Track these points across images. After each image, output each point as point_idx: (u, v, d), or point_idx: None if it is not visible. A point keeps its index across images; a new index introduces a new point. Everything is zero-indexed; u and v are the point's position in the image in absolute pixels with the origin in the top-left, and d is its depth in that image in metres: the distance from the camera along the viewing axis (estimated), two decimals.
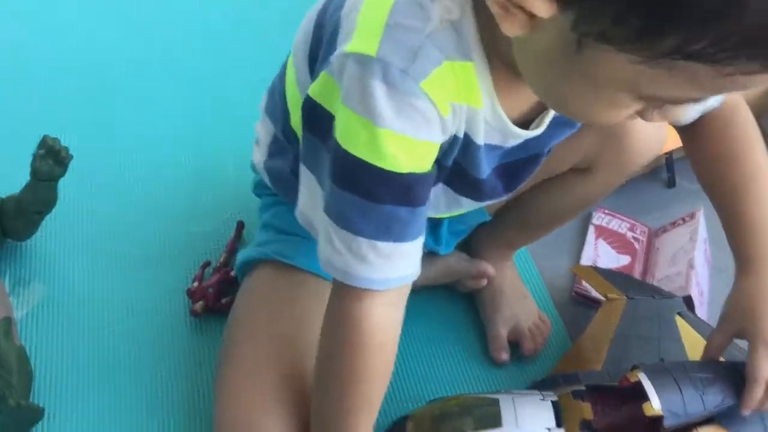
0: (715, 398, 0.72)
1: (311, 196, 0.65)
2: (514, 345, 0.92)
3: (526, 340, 0.91)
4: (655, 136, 0.81)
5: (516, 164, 0.71)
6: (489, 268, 0.92)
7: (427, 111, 0.56)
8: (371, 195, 0.58)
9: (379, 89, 0.54)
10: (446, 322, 0.95)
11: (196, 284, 0.91)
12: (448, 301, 0.97)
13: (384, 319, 0.64)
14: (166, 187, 1.03)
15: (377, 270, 0.61)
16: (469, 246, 0.96)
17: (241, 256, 0.83)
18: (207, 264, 0.94)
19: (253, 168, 0.85)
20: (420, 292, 0.95)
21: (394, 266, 0.62)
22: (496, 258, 0.94)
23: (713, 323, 0.89)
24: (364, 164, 0.57)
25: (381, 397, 0.67)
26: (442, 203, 0.74)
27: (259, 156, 0.82)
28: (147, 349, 0.87)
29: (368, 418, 0.68)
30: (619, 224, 1.09)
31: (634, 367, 0.75)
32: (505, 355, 0.90)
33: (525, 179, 0.74)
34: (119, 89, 1.16)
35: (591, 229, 1.08)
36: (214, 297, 0.89)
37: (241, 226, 0.98)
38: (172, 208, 1.01)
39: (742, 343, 0.74)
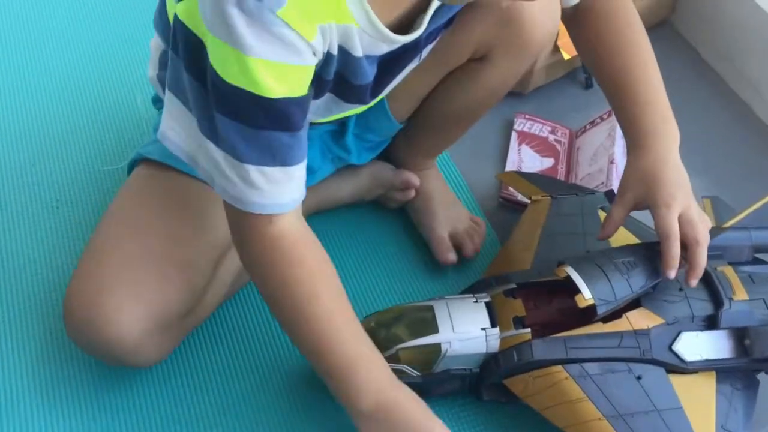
0: (639, 279, 0.74)
1: (179, 121, 0.65)
2: (455, 249, 0.92)
3: (465, 241, 0.92)
4: (548, 18, 0.81)
5: (395, 58, 0.70)
6: (413, 177, 0.92)
7: (289, 38, 0.56)
8: (251, 121, 0.59)
9: (237, 18, 0.54)
10: (382, 238, 0.95)
11: None
12: (382, 218, 0.97)
13: (291, 233, 0.65)
14: (74, 126, 0.99)
15: (269, 195, 0.63)
16: (389, 161, 0.96)
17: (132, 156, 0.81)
18: None
19: (150, 82, 0.83)
20: (353, 212, 0.96)
21: (284, 190, 0.63)
22: (418, 167, 0.94)
23: (634, 214, 0.92)
24: (240, 91, 0.57)
25: (334, 291, 0.68)
26: (321, 108, 0.73)
27: (152, 70, 0.80)
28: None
29: (340, 317, 0.68)
30: (540, 128, 1.09)
31: (560, 263, 0.77)
32: (452, 256, 0.91)
33: (406, 69, 0.75)
34: (15, 30, 1.09)
35: (513, 135, 1.08)
36: None
37: None
38: (81, 148, 0.98)
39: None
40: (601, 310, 0.72)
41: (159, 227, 0.73)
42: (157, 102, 0.85)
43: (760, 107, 1.18)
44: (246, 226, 0.65)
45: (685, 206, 0.73)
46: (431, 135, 0.91)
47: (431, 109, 0.88)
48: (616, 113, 0.79)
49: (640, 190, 0.74)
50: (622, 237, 0.87)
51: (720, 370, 0.77)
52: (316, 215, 0.93)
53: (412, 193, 0.93)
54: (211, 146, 0.62)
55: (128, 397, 0.78)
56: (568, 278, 0.74)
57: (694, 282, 0.73)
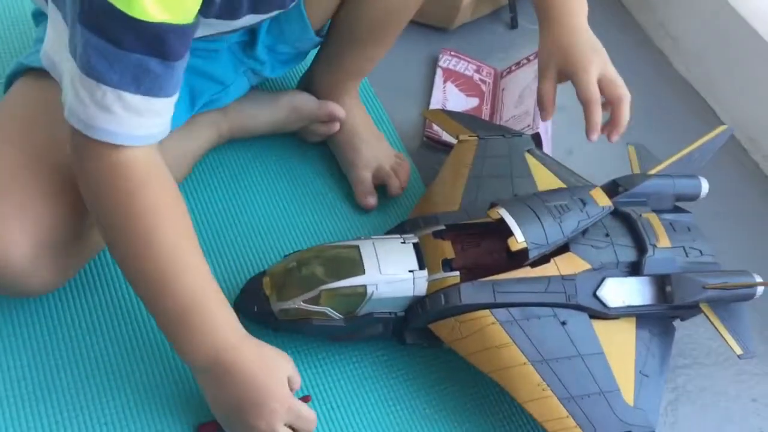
0: (571, 223, 0.73)
1: (57, 35, 0.60)
2: (379, 188, 0.89)
3: (391, 179, 0.88)
4: None
5: None
6: (338, 108, 0.87)
7: None
8: (118, 41, 0.54)
9: None
10: (303, 172, 0.89)
11: None
12: (304, 151, 0.91)
13: (140, 164, 0.60)
14: None
15: (123, 124, 0.57)
16: (309, 89, 0.90)
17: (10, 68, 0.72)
18: None
19: None
20: (273, 142, 0.90)
21: (141, 123, 0.58)
22: (340, 93, 0.88)
23: (557, 158, 0.91)
24: (111, 8, 0.53)
25: (182, 231, 0.63)
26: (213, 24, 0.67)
27: None
28: None
29: (186, 257, 0.63)
30: (465, 66, 1.06)
31: (493, 205, 0.74)
32: (372, 200, 0.87)
33: None
34: None
35: (438, 72, 1.04)
36: None
37: None
38: None
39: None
40: (533, 254, 0.70)
41: (37, 137, 0.66)
42: (38, 16, 0.76)
43: (677, 59, 1.19)
44: (91, 154, 0.59)
45: (603, 68, 0.75)
46: (348, 51, 0.86)
47: (345, 22, 0.83)
48: None
49: (560, 61, 0.76)
50: (549, 181, 0.85)
51: (640, 316, 0.77)
52: (231, 144, 0.87)
53: (337, 126, 0.88)
54: (72, 61, 0.56)
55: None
56: (501, 220, 0.71)
57: (616, 137, 0.75)
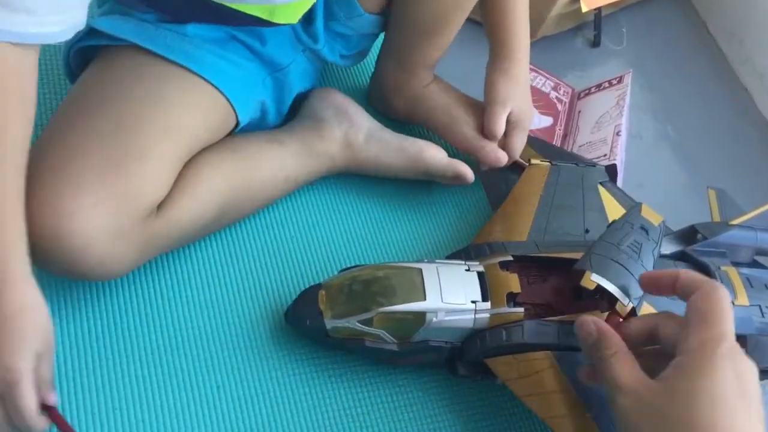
0: (648, 258, 0.68)
1: None
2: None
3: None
4: None
5: None
6: (467, 171, 0.82)
7: None
8: None
9: None
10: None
11: None
12: None
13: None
14: None
15: None
16: (381, 84, 0.87)
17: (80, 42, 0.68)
18: None
19: None
20: None
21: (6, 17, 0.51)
22: (414, 84, 0.85)
23: (629, 192, 0.86)
24: None
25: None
26: None
27: None
28: None
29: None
30: (543, 82, 1.01)
31: (579, 269, 0.67)
32: (495, 154, 0.84)
33: None
34: None
35: None
36: None
37: None
38: None
39: None
40: (639, 309, 0.65)
41: (106, 112, 0.63)
42: None
43: (764, 102, 1.13)
44: None
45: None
46: (415, 42, 0.82)
47: (407, 13, 0.80)
48: (484, 21, 0.85)
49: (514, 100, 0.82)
50: (616, 209, 0.81)
51: None
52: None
53: (463, 183, 0.84)
54: None
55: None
56: (598, 287, 0.66)
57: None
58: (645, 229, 0.69)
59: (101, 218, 0.58)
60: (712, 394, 0.49)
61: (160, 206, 0.63)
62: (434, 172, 0.82)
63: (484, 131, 0.83)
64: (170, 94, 0.66)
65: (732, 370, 0.50)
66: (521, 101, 0.84)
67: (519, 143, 0.84)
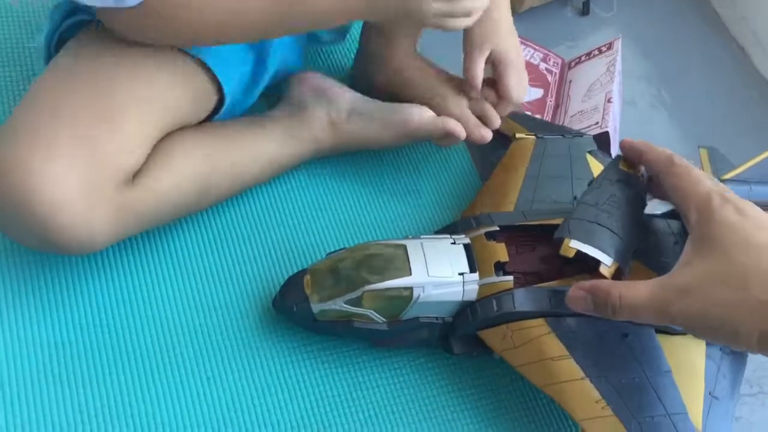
0: (629, 209, 0.66)
1: None
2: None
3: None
4: None
5: None
6: (458, 127, 0.78)
7: None
8: None
9: None
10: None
11: None
12: None
13: None
14: None
15: None
16: (365, 55, 0.85)
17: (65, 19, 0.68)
18: None
19: None
20: None
21: None
22: (402, 53, 0.83)
23: None
24: None
25: None
26: None
27: None
28: None
29: None
30: (532, 54, 1.00)
31: (558, 237, 0.66)
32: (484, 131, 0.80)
33: None
34: None
35: None
36: None
37: None
38: None
39: None
40: (626, 270, 0.64)
41: (81, 79, 0.63)
42: None
43: (759, 58, 1.10)
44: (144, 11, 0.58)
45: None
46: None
47: None
48: None
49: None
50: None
51: None
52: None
53: (455, 143, 0.81)
54: None
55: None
56: (579, 253, 0.64)
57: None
58: (623, 180, 0.67)
59: (72, 180, 0.58)
60: (725, 243, 0.53)
61: (136, 176, 0.64)
62: (424, 135, 0.80)
63: (466, 79, 0.78)
64: (148, 63, 0.66)
65: (733, 210, 0.55)
66: (503, 40, 0.78)
67: (513, 81, 0.78)
